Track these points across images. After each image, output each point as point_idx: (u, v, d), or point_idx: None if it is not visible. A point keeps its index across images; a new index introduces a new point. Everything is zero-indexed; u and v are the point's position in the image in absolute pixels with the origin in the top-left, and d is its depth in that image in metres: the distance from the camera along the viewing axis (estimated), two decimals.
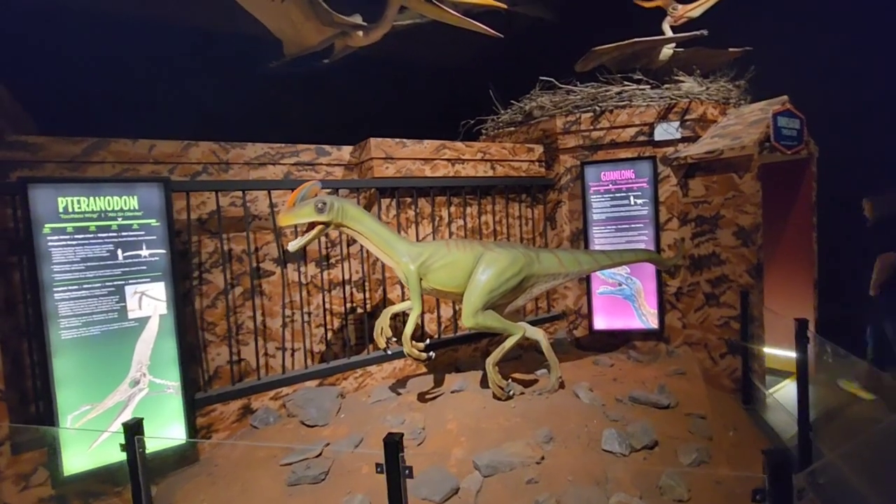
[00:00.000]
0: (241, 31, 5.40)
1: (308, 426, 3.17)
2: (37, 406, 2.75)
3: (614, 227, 4.53)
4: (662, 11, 4.95)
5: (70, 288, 2.59)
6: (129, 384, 2.76)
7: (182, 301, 3.11)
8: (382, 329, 3.21)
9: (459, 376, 3.69)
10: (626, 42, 4.64)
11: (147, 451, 1.99)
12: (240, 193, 3.45)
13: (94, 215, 2.66)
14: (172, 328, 2.90)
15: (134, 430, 1.94)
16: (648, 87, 4.58)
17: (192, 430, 2.99)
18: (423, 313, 3.35)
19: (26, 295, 2.69)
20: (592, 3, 8.10)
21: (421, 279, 3.06)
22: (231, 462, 2.95)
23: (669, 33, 4.84)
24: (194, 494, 2.68)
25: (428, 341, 3.26)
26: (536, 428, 2.90)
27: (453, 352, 4.18)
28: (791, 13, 5.71)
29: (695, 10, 4.79)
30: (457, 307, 4.15)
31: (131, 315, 2.76)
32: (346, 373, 3.68)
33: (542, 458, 2.62)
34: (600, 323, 4.63)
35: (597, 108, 4.56)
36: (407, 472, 1.65)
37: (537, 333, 3.43)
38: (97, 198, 2.66)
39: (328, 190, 3.70)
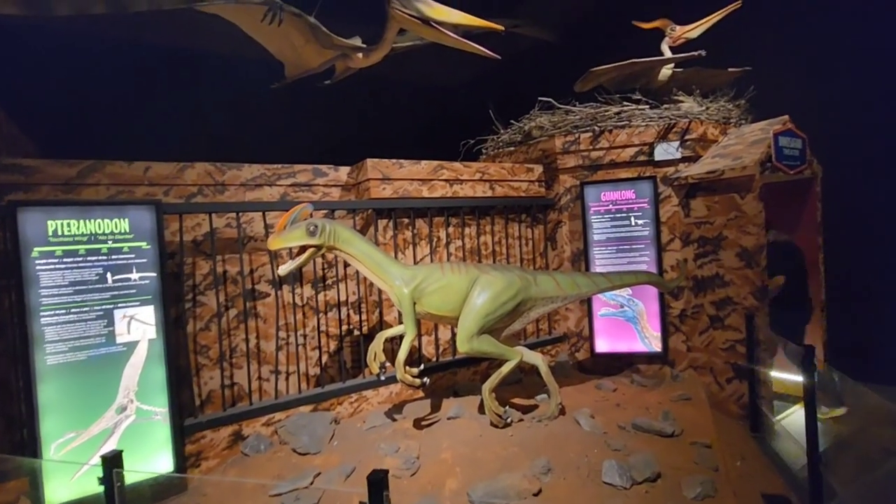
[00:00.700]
0: (242, 54, 5.47)
1: (300, 454, 3.08)
2: (21, 433, 2.69)
3: (615, 247, 4.47)
4: (661, 32, 4.95)
5: (57, 312, 2.55)
6: (115, 411, 2.70)
7: (174, 324, 3.07)
8: (376, 354, 3.14)
9: (457, 401, 3.60)
10: (625, 63, 4.63)
11: (133, 481, 1.92)
12: (235, 215, 3.43)
13: (84, 238, 2.63)
14: (162, 353, 2.84)
15: (112, 463, 1.87)
16: (648, 106, 4.56)
17: (181, 458, 2.91)
18: (417, 337, 3.28)
19: (13, 319, 2.65)
20: (591, 24, 8.18)
21: (415, 303, 3.00)
22: (220, 492, 2.85)
23: (668, 54, 4.84)
24: None
25: (422, 366, 3.19)
26: (534, 458, 2.80)
27: (452, 375, 4.09)
28: (790, 33, 5.71)
29: (693, 31, 4.79)
30: (455, 330, 4.08)
31: (119, 339, 2.71)
32: (342, 397, 3.60)
33: (539, 490, 2.52)
34: (602, 346, 4.53)
35: (596, 128, 4.54)
36: None
37: (536, 358, 3.34)
38: (88, 221, 2.64)
39: (323, 212, 3.67)
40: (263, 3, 3.87)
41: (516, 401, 3.70)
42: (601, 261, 4.49)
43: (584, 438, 3.09)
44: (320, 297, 3.83)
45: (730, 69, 4.93)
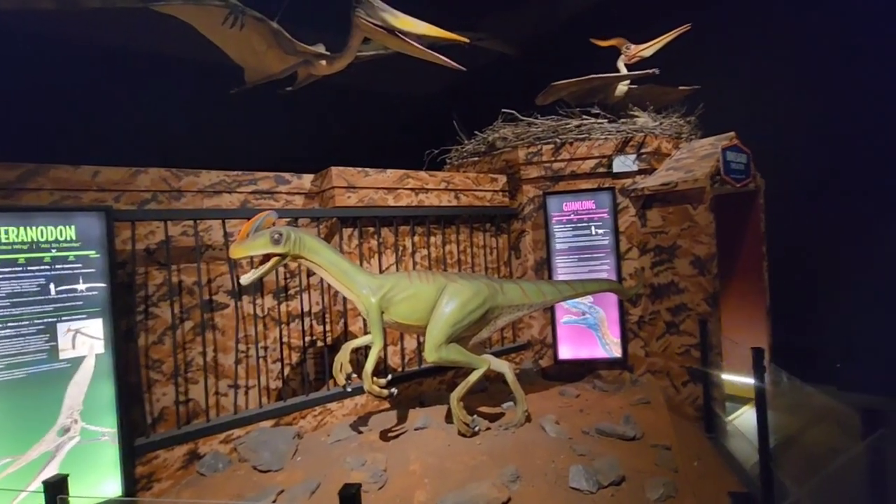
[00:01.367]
0: (200, 57, 5.29)
1: (261, 471, 2.95)
2: None
3: (577, 256, 4.58)
4: (617, 50, 5.17)
5: None
6: (57, 432, 2.50)
7: (124, 338, 2.89)
8: (342, 365, 3.07)
9: (423, 412, 3.56)
10: (584, 78, 4.80)
11: None
12: (192, 222, 3.29)
13: (25, 246, 2.45)
14: (110, 369, 2.67)
15: (56, 489, 1.73)
16: (606, 121, 4.73)
17: (131, 480, 2.73)
18: (384, 347, 3.23)
19: None
20: (552, 40, 8.45)
21: (382, 312, 2.96)
22: None
23: (624, 71, 5.05)
24: None
25: (390, 377, 3.14)
26: (502, 466, 2.80)
27: (418, 385, 4.05)
28: (736, 55, 6.10)
29: (647, 50, 5.03)
30: (421, 339, 4.05)
31: (63, 355, 2.53)
32: (305, 411, 3.49)
33: (509, 498, 2.52)
34: (565, 352, 4.62)
35: (557, 140, 4.67)
36: None
37: (502, 366, 3.36)
38: (29, 228, 2.46)
39: (286, 220, 3.58)
40: (224, 6, 3.76)
41: (483, 409, 3.70)
42: (563, 269, 4.59)
43: (550, 445, 3.13)
44: (282, 307, 3.72)
45: (680, 87, 5.19)
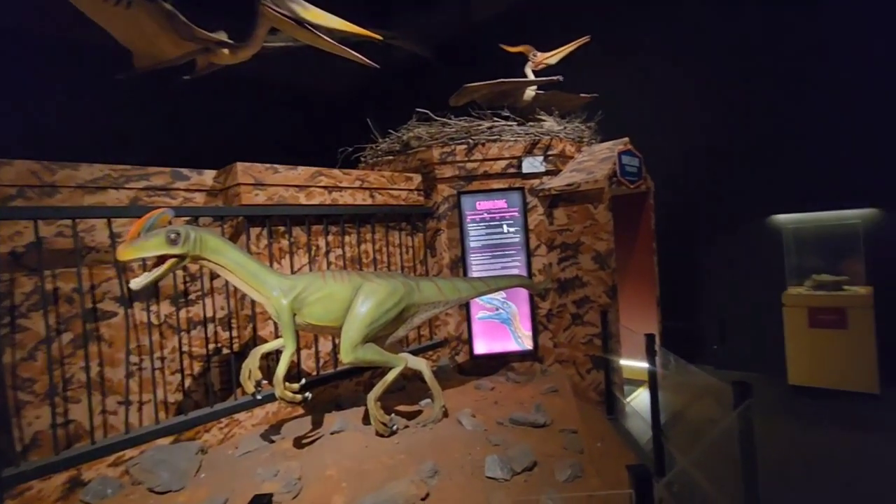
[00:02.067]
0: (80, 36, 4.72)
1: (158, 493, 2.70)
2: None
3: (490, 254, 4.74)
4: (525, 57, 5.42)
5: None
6: None
7: None
8: (251, 371, 2.90)
9: (340, 415, 3.48)
10: (495, 81, 4.98)
11: None
12: (70, 222, 2.92)
13: None
14: None
15: None
16: (515, 123, 4.94)
17: None
18: (297, 351, 3.11)
19: None
20: (465, 43, 8.65)
21: (294, 314, 2.84)
22: None
23: (531, 76, 5.31)
24: None
25: (303, 381, 3.03)
26: (421, 463, 2.82)
27: (334, 388, 3.95)
28: (630, 67, 6.66)
29: (552, 58, 5.33)
30: (336, 341, 3.96)
31: None
32: (209, 424, 3.25)
33: (427, 494, 2.54)
34: (481, 347, 4.76)
35: (470, 140, 4.79)
36: None
37: (420, 363, 3.39)
38: None
39: (185, 218, 3.32)
40: None
41: (401, 408, 3.70)
42: (477, 266, 4.73)
43: (467, 438, 3.21)
44: (182, 313, 3.44)
45: (582, 95, 5.57)
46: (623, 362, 4.65)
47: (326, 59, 4.82)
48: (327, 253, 4.08)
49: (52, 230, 2.91)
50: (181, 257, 2.58)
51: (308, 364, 3.89)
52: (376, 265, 4.48)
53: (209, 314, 3.56)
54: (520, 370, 4.72)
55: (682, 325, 6.07)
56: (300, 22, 4.12)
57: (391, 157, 5.30)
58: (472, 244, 4.75)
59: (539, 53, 5.38)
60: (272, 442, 3.18)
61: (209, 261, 2.72)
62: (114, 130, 5.81)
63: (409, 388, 4.20)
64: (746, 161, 5.93)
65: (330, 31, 4.55)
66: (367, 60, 4.41)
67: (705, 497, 2.40)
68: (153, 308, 3.30)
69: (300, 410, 3.64)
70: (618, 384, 4.47)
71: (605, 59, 6.41)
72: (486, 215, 4.74)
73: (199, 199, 3.65)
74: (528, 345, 4.74)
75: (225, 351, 3.64)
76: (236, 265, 2.77)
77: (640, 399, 4.82)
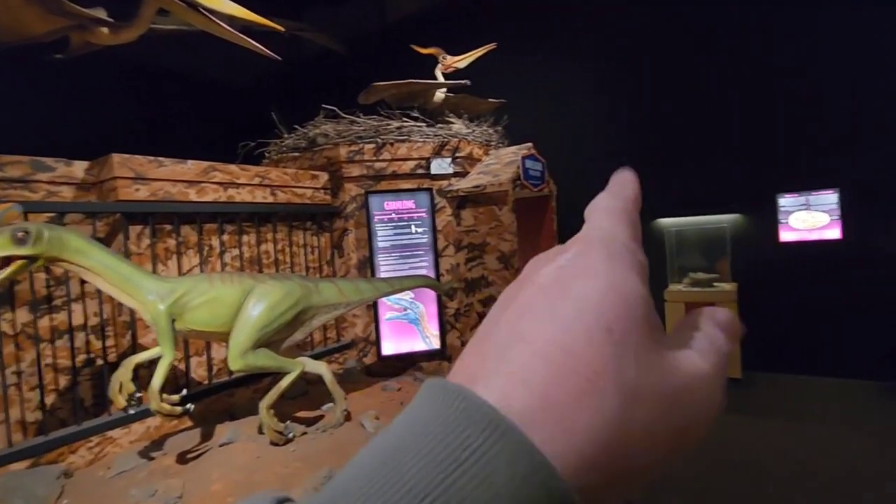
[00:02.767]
0: None
1: None
2: None
3: (398, 254, 4.73)
4: (435, 59, 5.48)
5: None
6: None
7: None
8: (122, 384, 2.64)
9: (232, 425, 3.28)
10: (404, 81, 4.98)
11: None
12: None
13: None
14: None
15: None
16: (425, 124, 4.97)
17: None
18: (175, 360, 2.88)
19: None
20: (378, 41, 8.56)
21: (174, 320, 2.63)
22: None
23: (441, 79, 5.38)
24: None
25: (185, 391, 2.81)
26: (317, 470, 2.74)
27: (228, 397, 3.72)
28: (534, 76, 6.98)
29: (461, 62, 5.44)
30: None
31: None
32: (76, 443, 2.92)
33: None
34: (389, 348, 4.73)
35: (379, 140, 4.74)
36: None
37: (320, 367, 3.28)
38: None
39: (48, 215, 2.96)
40: None
41: (302, 414, 3.57)
42: (385, 267, 4.70)
43: (368, 440, 3.14)
44: (43, 322, 3.05)
45: (490, 100, 5.74)
46: None
47: (230, 48, 4.53)
48: (222, 253, 3.83)
49: None
50: (32, 259, 2.28)
51: (199, 372, 3.63)
52: (278, 266, 4.29)
53: (80, 322, 3.20)
54: (428, 370, 4.76)
55: None
56: (193, 5, 3.84)
57: (297, 154, 5.10)
58: (381, 244, 4.71)
59: (449, 56, 5.46)
60: (152, 459, 2.92)
61: (71, 263, 2.43)
62: None
63: (313, 392, 4.06)
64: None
65: (230, 19, 4.30)
66: (268, 52, 4.22)
67: None
68: (6, 316, 2.90)
69: (189, 423, 3.38)
70: None
71: (514, 66, 6.66)
72: (394, 215, 4.72)
73: (66, 193, 3.27)
74: (436, 344, 4.79)
75: (99, 362, 3.29)
76: (105, 268, 2.50)
77: None
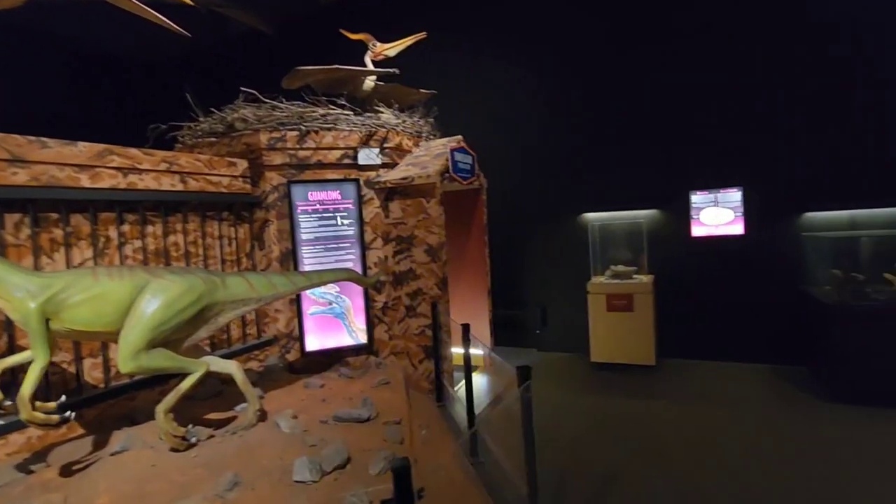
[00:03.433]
0: None
1: None
2: None
3: (323, 246, 4.56)
4: (365, 45, 5.31)
5: None
6: None
7: None
8: None
9: (129, 432, 3.03)
10: (330, 67, 4.78)
11: None
12: None
13: None
14: None
15: None
16: (352, 113, 4.81)
17: None
18: (78, 362, 2.61)
19: None
20: (307, 23, 8.21)
21: (49, 319, 2.37)
22: None
23: (370, 66, 5.22)
24: None
25: (63, 398, 2.55)
26: (220, 475, 2.58)
27: (129, 401, 3.43)
28: (466, 68, 6.98)
29: (391, 50, 5.30)
30: None
31: None
32: None
33: None
34: (313, 343, 4.57)
35: (303, 127, 4.53)
36: None
37: (229, 366, 3.10)
38: None
39: None
40: None
41: (213, 416, 3.37)
42: (309, 260, 4.52)
43: (281, 441, 3.03)
44: None
45: (421, 90, 5.65)
46: (454, 350, 4.86)
47: (137, 19, 4.14)
48: (122, 245, 3.52)
49: None
50: None
51: (94, 375, 3.32)
52: (188, 259, 4.01)
53: None
54: (354, 364, 4.65)
55: (511, 312, 6.60)
56: None
57: (214, 140, 4.78)
58: (304, 236, 4.52)
59: (378, 44, 5.31)
60: (31, 472, 2.64)
61: None
62: None
63: (228, 392, 3.84)
64: (565, 164, 6.64)
65: None
66: (176, 27, 3.90)
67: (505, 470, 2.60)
68: None
69: (80, 430, 3.09)
70: (447, 372, 4.65)
71: (446, 57, 6.62)
72: (318, 206, 4.55)
73: None
74: (362, 338, 4.68)
75: None
76: None
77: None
